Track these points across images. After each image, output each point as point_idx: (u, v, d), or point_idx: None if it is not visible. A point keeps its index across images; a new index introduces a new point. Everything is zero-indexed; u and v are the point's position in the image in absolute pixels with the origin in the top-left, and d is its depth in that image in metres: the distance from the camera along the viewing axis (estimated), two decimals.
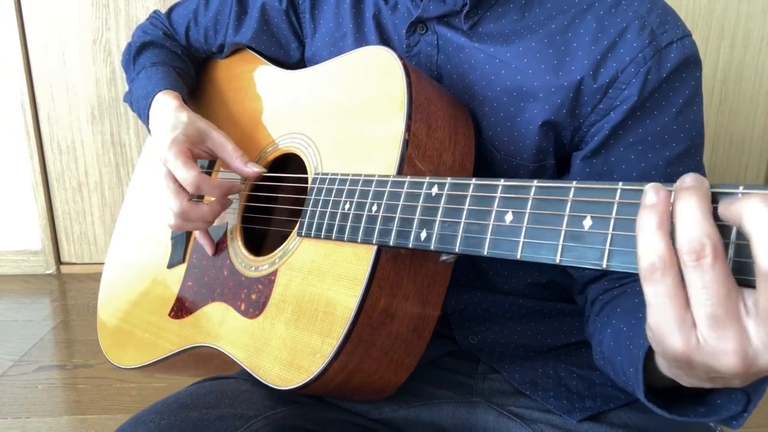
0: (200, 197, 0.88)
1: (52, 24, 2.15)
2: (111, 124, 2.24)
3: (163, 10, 1.03)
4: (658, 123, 0.68)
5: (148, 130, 0.90)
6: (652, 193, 0.40)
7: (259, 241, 0.87)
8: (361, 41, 0.81)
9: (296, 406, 0.73)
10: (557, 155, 0.73)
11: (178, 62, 0.98)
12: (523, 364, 0.78)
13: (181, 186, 0.78)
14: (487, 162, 0.74)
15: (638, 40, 0.66)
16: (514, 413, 0.74)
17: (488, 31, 0.72)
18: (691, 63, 0.68)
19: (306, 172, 0.76)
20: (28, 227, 2.33)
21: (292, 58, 0.91)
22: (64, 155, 2.27)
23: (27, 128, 2.22)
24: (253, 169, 0.80)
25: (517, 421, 0.73)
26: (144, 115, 0.91)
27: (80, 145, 2.26)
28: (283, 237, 0.76)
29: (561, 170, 0.75)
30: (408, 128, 0.65)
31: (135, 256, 1.00)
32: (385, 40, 0.80)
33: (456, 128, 0.70)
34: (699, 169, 0.71)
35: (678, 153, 0.68)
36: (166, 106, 0.86)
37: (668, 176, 0.68)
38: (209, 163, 0.91)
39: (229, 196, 0.82)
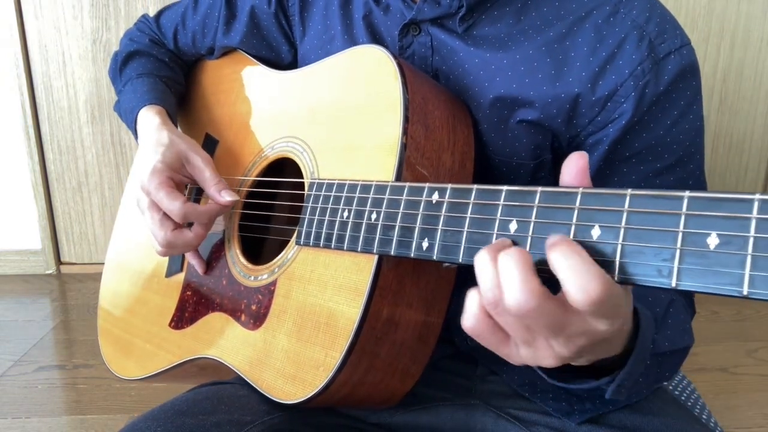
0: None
1: (52, 24, 2.15)
2: (111, 124, 2.24)
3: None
4: (653, 135, 0.67)
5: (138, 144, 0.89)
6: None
7: (257, 247, 0.86)
8: (350, 43, 0.80)
9: (293, 411, 0.72)
10: (553, 150, 0.72)
11: (165, 71, 0.97)
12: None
13: (165, 216, 0.77)
14: (484, 165, 0.73)
15: (637, 52, 0.65)
16: (512, 416, 0.74)
17: (483, 34, 0.71)
18: (688, 72, 0.67)
19: (302, 177, 0.74)
20: (28, 227, 2.33)
21: (284, 61, 0.90)
22: (64, 155, 2.27)
23: (27, 128, 2.22)
24: (227, 198, 0.77)
25: (515, 423, 0.73)
26: (132, 129, 0.90)
27: (80, 145, 2.26)
28: (282, 243, 0.75)
29: (558, 163, 0.74)
30: (405, 131, 0.63)
31: (133, 264, 0.99)
32: (377, 42, 0.78)
33: (454, 127, 0.68)
34: (690, 176, 0.70)
35: (669, 164, 0.68)
36: (149, 124, 0.85)
37: (657, 186, 0.67)
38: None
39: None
